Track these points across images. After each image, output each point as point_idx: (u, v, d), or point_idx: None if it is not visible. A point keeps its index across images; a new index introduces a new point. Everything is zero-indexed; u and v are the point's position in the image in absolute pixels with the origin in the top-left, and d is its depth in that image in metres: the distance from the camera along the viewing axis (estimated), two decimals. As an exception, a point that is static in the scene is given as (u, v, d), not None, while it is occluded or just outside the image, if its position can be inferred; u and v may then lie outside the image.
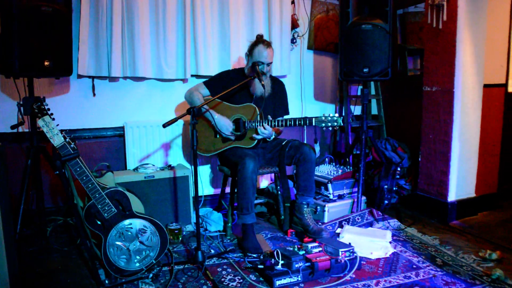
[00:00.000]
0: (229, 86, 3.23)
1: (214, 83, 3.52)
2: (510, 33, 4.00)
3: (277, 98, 3.60)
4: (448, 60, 3.65)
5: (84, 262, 2.95)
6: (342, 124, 3.13)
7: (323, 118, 3.12)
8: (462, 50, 3.59)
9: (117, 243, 2.64)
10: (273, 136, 3.38)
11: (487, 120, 3.88)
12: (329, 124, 3.11)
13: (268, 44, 3.39)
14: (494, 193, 4.10)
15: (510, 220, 3.80)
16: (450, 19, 3.59)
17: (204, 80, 3.58)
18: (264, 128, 3.23)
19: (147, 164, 3.61)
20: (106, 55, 3.68)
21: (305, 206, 3.41)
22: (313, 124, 3.14)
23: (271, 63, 3.43)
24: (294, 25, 4.45)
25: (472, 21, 3.62)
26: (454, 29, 3.57)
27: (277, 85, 3.61)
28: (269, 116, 3.30)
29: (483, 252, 3.01)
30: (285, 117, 3.61)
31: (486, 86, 3.82)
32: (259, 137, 3.30)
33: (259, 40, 3.41)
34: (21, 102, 3.09)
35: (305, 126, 3.37)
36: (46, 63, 3.01)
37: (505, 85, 4.06)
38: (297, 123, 3.18)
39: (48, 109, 2.53)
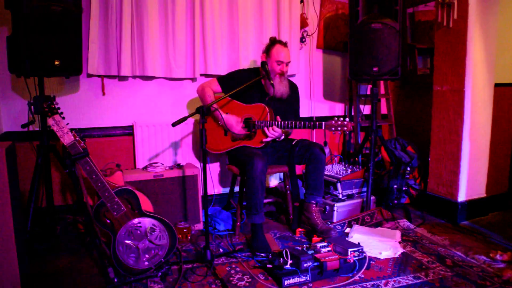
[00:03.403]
0: (243, 85, 3.23)
1: (227, 81, 3.52)
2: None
3: (290, 101, 3.59)
4: (459, 59, 3.61)
5: (94, 261, 2.97)
6: (352, 129, 3.11)
7: (333, 122, 3.09)
8: (473, 49, 3.56)
9: (126, 241, 2.65)
10: (282, 137, 3.37)
11: (498, 119, 3.85)
12: (339, 128, 3.09)
13: (285, 44, 3.44)
14: (505, 193, 4.07)
15: (521, 221, 3.77)
16: (460, 17, 3.56)
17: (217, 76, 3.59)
18: (274, 130, 3.23)
19: (156, 163, 3.61)
20: (115, 54, 3.69)
21: (314, 205, 3.40)
22: (323, 128, 3.12)
23: (289, 62, 3.45)
24: (303, 24, 4.44)
25: (483, 19, 3.58)
26: (465, 27, 3.54)
27: (292, 88, 3.61)
28: (278, 117, 3.29)
29: (494, 253, 2.99)
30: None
31: (497, 85, 3.79)
32: (268, 139, 3.30)
33: (276, 40, 3.46)
34: (31, 101, 3.11)
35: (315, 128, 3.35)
36: (56, 63, 3.02)
37: (517, 84, 4.03)
38: (306, 125, 3.17)
39: (58, 108, 2.54)
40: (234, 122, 3.37)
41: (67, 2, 3.04)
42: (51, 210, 3.37)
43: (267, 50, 3.43)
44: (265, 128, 3.26)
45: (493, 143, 3.84)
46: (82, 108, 3.76)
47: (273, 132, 3.24)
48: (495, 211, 3.95)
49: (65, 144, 2.52)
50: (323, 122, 3.10)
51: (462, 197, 3.73)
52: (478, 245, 3.23)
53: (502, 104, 3.89)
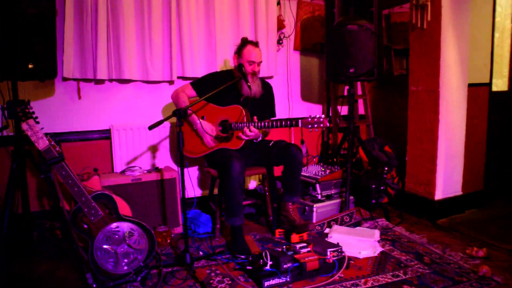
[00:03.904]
0: (217, 88, 3.22)
1: (201, 84, 3.50)
2: (493, 32, 4.05)
3: (264, 100, 3.59)
4: (433, 59, 3.67)
5: (72, 266, 2.92)
6: (328, 125, 3.12)
7: (309, 119, 3.09)
8: (446, 50, 3.63)
9: (105, 246, 2.61)
10: (260, 138, 3.38)
11: (472, 118, 3.92)
12: (315, 125, 3.09)
13: (256, 44, 3.44)
14: (481, 191, 4.15)
15: (496, 217, 3.84)
16: (434, 19, 3.62)
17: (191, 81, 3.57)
18: (250, 130, 3.22)
19: (134, 166, 3.59)
20: (91, 57, 3.65)
21: (291, 203, 3.42)
22: (299, 125, 3.13)
23: (261, 62, 3.45)
24: (280, 26, 4.46)
25: (456, 21, 3.65)
26: (439, 28, 3.60)
27: (266, 87, 3.61)
28: (255, 118, 3.29)
29: (470, 250, 3.04)
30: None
31: (470, 85, 3.86)
32: (245, 138, 3.29)
33: (247, 40, 3.45)
34: (5, 106, 3.05)
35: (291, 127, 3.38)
36: (30, 66, 2.97)
37: (489, 84, 4.11)
38: (283, 124, 3.17)
39: (33, 113, 2.50)
40: (209, 130, 3.36)
41: (42, 5, 2.99)
42: (27, 216, 3.30)
43: (239, 51, 3.43)
44: (242, 130, 3.26)
45: (468, 142, 3.92)
46: (58, 112, 3.71)
47: (250, 133, 3.23)
48: (471, 209, 4.02)
49: (39, 149, 2.48)
50: (300, 120, 3.11)
51: (439, 195, 3.79)
52: (455, 242, 3.29)
53: (476, 104, 3.97)
